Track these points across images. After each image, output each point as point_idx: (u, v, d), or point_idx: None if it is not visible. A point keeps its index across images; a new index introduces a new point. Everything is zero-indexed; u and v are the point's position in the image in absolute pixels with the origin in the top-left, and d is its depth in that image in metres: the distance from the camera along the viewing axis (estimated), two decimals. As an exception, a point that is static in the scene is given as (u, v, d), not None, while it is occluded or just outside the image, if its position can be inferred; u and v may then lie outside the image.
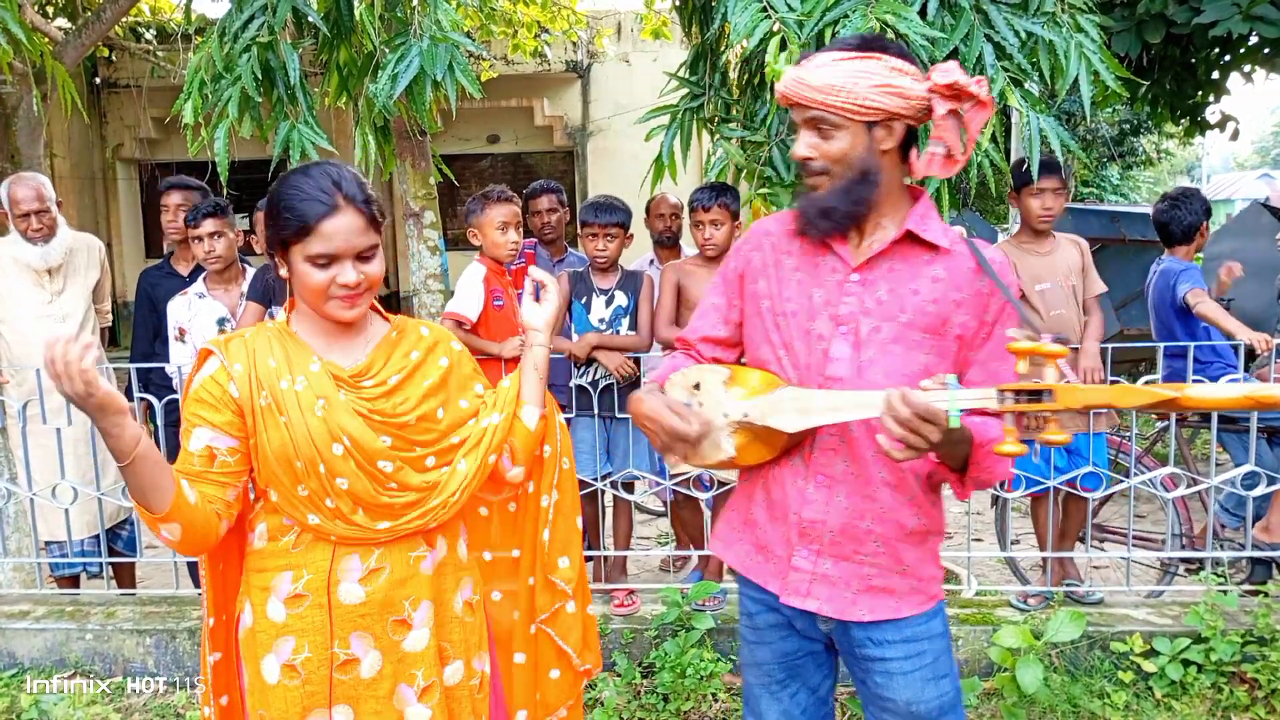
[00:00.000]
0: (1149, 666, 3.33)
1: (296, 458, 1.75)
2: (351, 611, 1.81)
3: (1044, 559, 3.93)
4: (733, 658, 3.48)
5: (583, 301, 3.90)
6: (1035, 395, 1.57)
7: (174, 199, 4.26)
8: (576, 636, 2.12)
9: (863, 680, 1.93)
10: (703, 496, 3.91)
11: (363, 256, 1.77)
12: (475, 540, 2.07)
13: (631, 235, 4.03)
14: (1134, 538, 3.89)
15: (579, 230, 4.00)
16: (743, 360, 2.01)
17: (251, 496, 1.91)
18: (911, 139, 1.82)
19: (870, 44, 1.78)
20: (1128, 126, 15.36)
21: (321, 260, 1.73)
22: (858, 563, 1.84)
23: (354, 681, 1.81)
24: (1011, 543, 4.46)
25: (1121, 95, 3.32)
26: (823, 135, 1.77)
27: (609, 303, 3.91)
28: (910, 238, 1.81)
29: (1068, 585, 3.80)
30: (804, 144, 1.79)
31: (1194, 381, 3.64)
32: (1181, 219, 4.39)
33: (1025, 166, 3.49)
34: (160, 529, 1.71)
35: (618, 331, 3.88)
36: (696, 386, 1.89)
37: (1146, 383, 3.69)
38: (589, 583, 2.28)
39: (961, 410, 1.59)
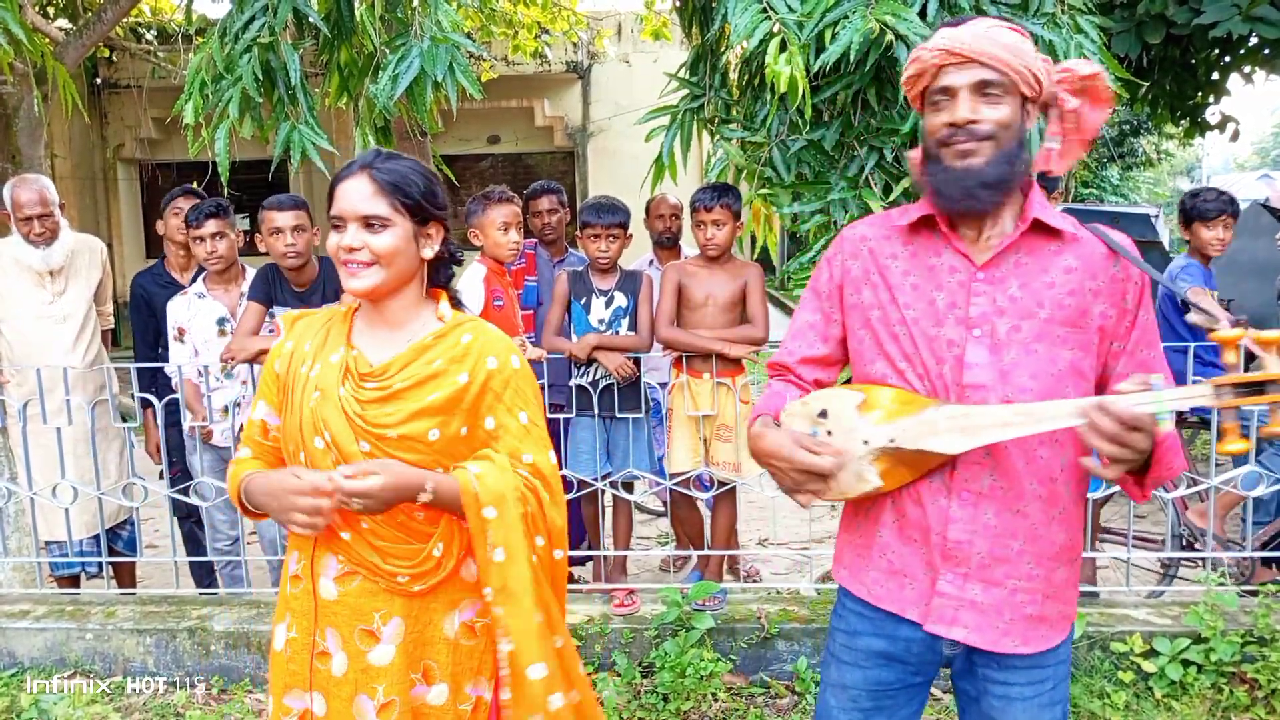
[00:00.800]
0: (1149, 667, 3.33)
1: (289, 441, 1.80)
2: (328, 606, 1.83)
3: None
4: (733, 657, 3.48)
5: (582, 302, 3.90)
6: (1256, 387, 1.44)
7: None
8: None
9: (975, 699, 1.82)
10: (702, 497, 3.92)
11: (368, 224, 1.76)
12: None
13: (631, 235, 4.03)
14: (1134, 538, 3.89)
15: (579, 231, 4.01)
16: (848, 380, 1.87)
17: None
18: None
19: (1012, 22, 1.70)
20: (1128, 127, 15.36)
21: (335, 222, 1.78)
22: (1011, 589, 1.70)
23: (327, 674, 1.83)
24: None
25: (1121, 96, 3.33)
26: (989, 100, 1.64)
27: (608, 304, 3.91)
28: (1036, 227, 1.70)
29: (1082, 586, 3.81)
30: (968, 107, 1.64)
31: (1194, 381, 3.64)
32: (1179, 217, 4.42)
33: None
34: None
35: (617, 332, 3.89)
36: (823, 414, 1.71)
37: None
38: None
39: (1171, 412, 1.46)
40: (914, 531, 1.74)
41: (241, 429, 1.87)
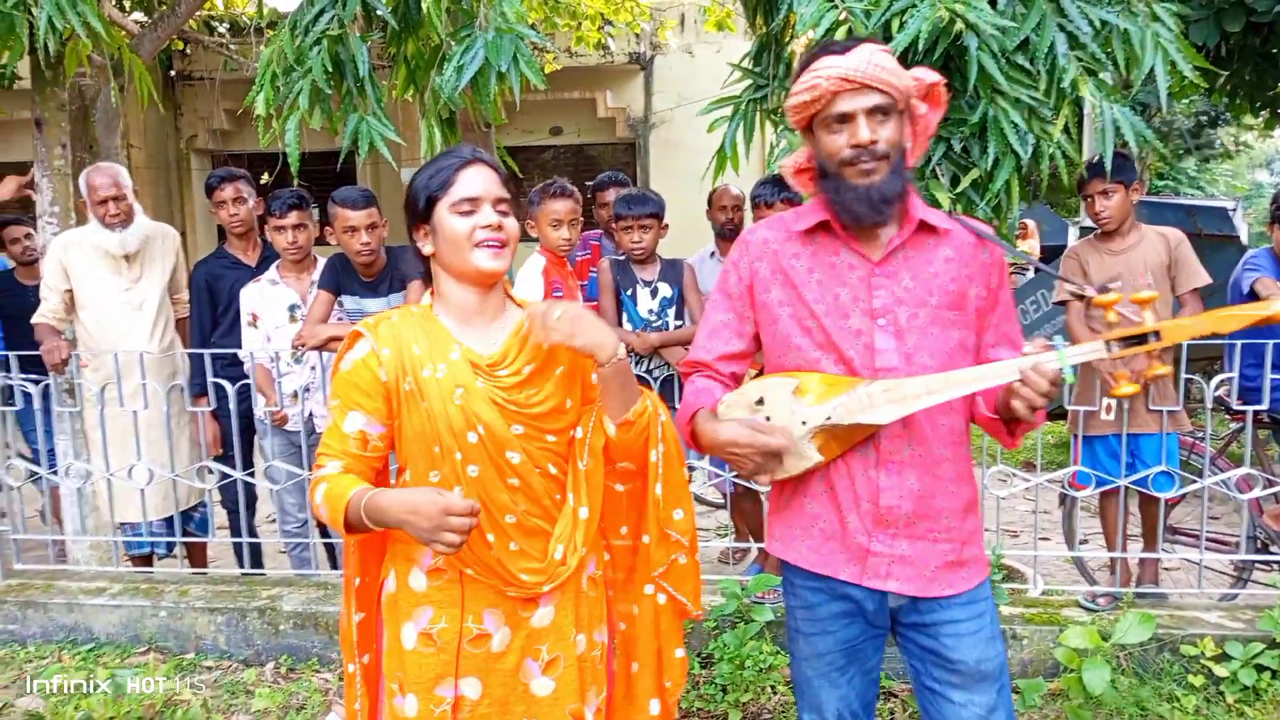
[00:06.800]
0: (1220, 671, 3.25)
1: (435, 443, 1.83)
2: (486, 588, 1.89)
3: (1112, 559, 3.85)
4: (791, 651, 3.47)
5: (629, 293, 3.92)
6: (1139, 339, 1.71)
7: (228, 192, 4.28)
8: (690, 586, 2.11)
9: (930, 648, 1.96)
10: (763, 489, 3.90)
11: (499, 209, 1.86)
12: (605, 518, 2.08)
13: (666, 225, 4.03)
14: (1207, 540, 3.79)
15: (614, 224, 4.02)
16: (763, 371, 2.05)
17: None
18: None
19: (876, 42, 1.90)
20: (1205, 118, 14.92)
21: (465, 206, 1.84)
22: (933, 540, 1.92)
23: (484, 655, 1.90)
24: (1080, 542, 4.37)
25: (1199, 86, 3.24)
26: (881, 122, 1.83)
27: (654, 294, 3.93)
28: (920, 226, 1.91)
29: (1147, 588, 3.73)
30: (867, 129, 1.81)
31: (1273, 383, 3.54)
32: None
33: (1098, 159, 3.42)
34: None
35: (665, 322, 3.90)
36: (760, 401, 1.91)
37: (1221, 381, 3.59)
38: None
39: (1075, 365, 1.70)
40: (845, 501, 1.93)
41: (319, 435, 1.89)
